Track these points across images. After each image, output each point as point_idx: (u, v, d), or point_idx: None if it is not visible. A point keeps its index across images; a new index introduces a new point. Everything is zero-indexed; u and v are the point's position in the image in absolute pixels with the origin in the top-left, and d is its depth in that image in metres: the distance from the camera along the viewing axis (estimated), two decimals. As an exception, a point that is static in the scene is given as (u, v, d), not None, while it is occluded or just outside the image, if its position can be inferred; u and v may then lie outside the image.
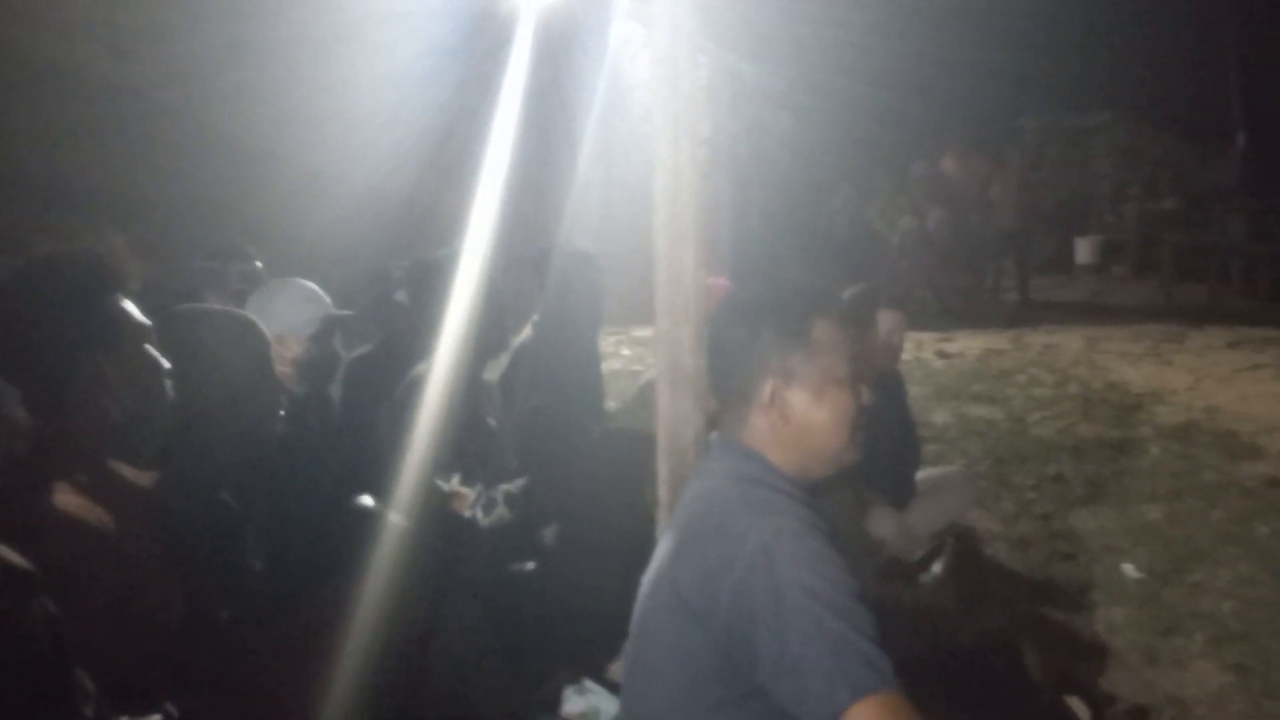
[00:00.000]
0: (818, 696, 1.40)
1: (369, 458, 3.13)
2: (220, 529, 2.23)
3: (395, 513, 2.72)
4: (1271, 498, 4.92)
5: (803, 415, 1.70)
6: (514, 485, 3.47)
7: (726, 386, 1.76)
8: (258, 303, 3.21)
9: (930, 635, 2.84)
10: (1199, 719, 3.05)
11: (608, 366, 7.68)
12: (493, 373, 3.94)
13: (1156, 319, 10.93)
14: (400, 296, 3.67)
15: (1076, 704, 2.82)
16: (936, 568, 3.02)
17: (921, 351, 9.25)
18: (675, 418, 2.52)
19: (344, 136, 8.15)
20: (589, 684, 2.91)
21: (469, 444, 3.30)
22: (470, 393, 3.29)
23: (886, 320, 3.81)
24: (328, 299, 3.58)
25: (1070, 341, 9.78)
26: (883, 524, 3.49)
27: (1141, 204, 15.29)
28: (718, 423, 1.82)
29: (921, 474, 4.09)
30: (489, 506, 3.35)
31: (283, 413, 2.64)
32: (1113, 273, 15.06)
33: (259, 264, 4.37)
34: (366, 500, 2.80)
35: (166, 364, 1.92)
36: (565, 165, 6.65)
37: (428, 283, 3.44)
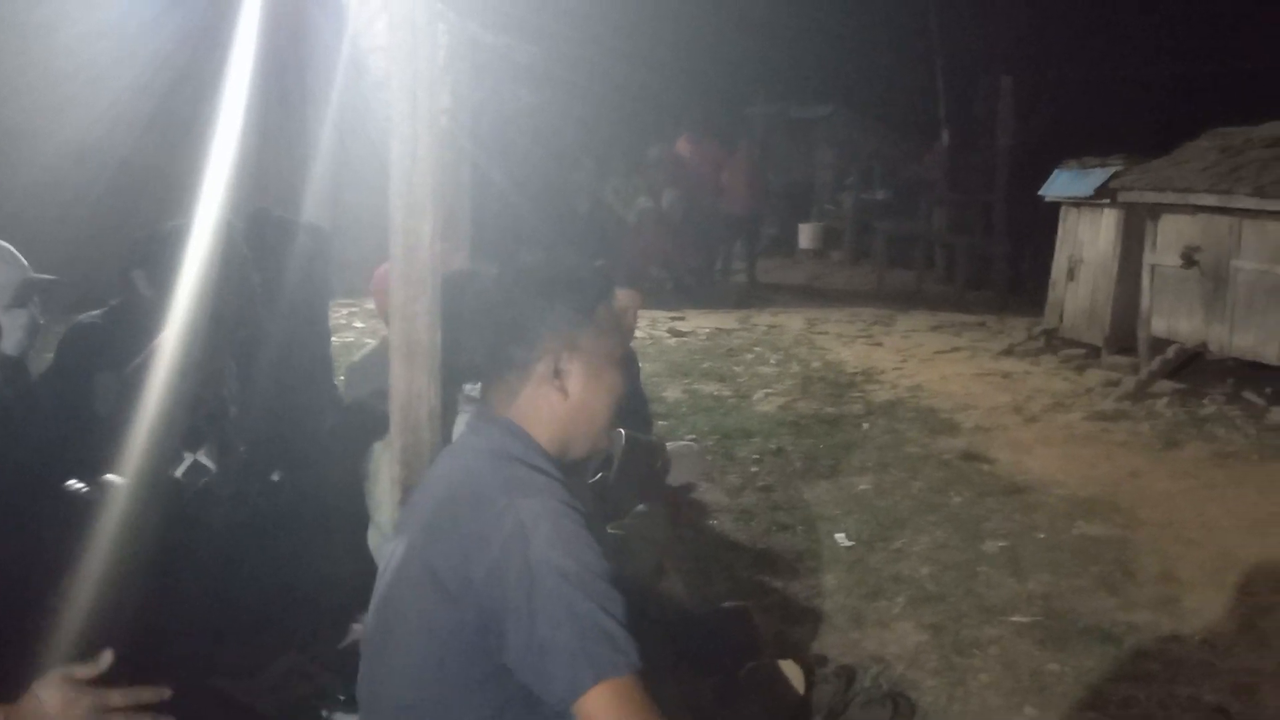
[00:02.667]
0: (561, 679, 1.41)
1: (84, 432, 2.90)
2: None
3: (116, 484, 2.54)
4: (964, 469, 5.38)
5: (582, 391, 1.69)
6: (246, 464, 3.31)
7: (502, 358, 1.71)
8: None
9: (654, 568, 2.92)
10: (898, 676, 3.29)
11: (340, 339, 7.43)
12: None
13: (869, 302, 11.71)
14: (136, 275, 3.38)
15: (790, 666, 2.97)
16: (657, 541, 3.09)
17: (655, 329, 9.50)
18: (410, 392, 2.46)
19: (47, 91, 7.45)
20: (314, 669, 2.81)
21: (205, 420, 3.11)
22: (207, 372, 3.09)
23: (622, 298, 3.86)
24: (24, 261, 3.28)
25: (793, 322, 10.32)
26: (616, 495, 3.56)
27: (858, 194, 16.31)
28: (481, 392, 1.78)
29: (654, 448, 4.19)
30: (214, 482, 3.18)
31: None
32: (832, 258, 16.00)
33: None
34: (77, 485, 2.59)
35: None
36: (299, 129, 6.35)
37: (161, 253, 3.20)
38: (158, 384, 2.83)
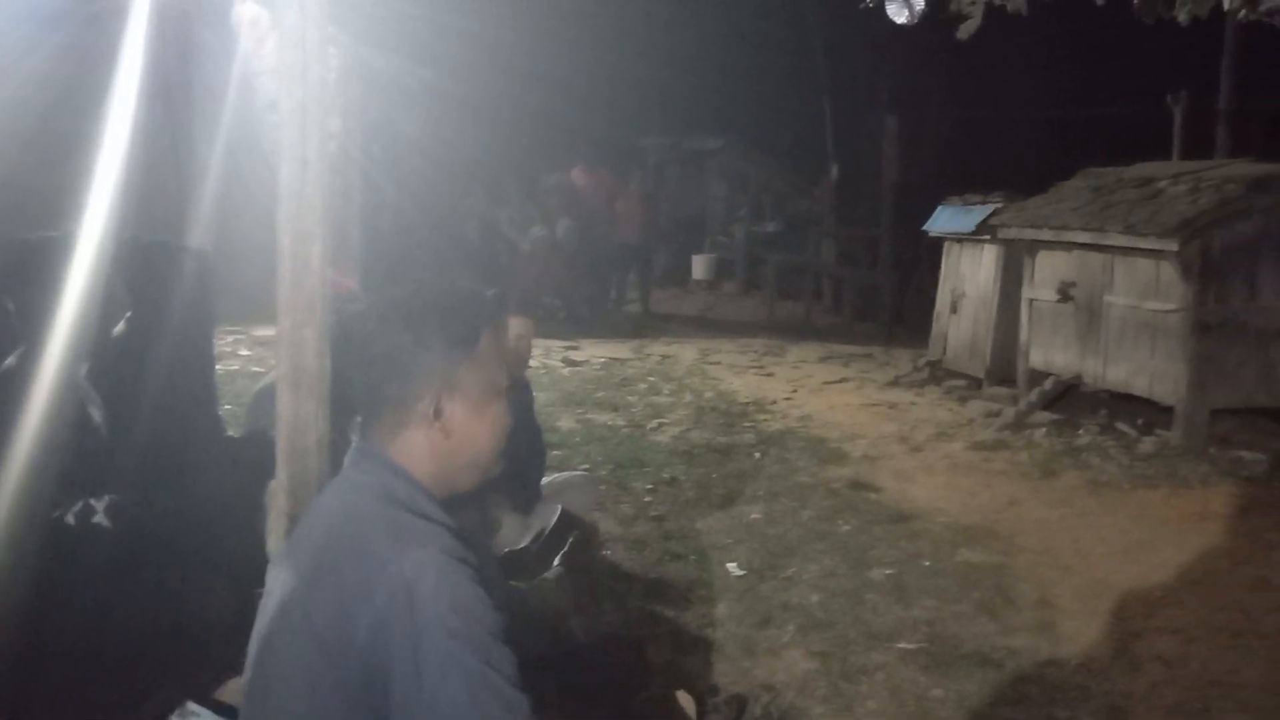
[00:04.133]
0: None
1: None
2: None
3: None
4: (852, 498, 5.48)
5: (465, 429, 1.62)
6: (120, 494, 3.18)
7: (378, 395, 1.62)
8: None
9: (550, 633, 2.89)
10: (788, 704, 3.32)
11: (225, 367, 7.23)
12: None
13: (761, 333, 11.88)
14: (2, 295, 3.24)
15: (682, 696, 2.97)
16: (557, 562, 3.08)
17: (549, 358, 9.47)
18: (297, 421, 2.40)
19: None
20: (193, 706, 2.71)
21: (70, 447, 2.99)
22: (71, 389, 2.97)
23: (516, 326, 3.86)
24: None
25: (686, 352, 10.40)
26: (508, 529, 3.53)
27: (749, 226, 16.57)
28: (362, 428, 1.68)
29: (546, 479, 4.18)
30: (86, 514, 3.05)
31: None
32: (724, 288, 16.20)
33: None
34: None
35: None
36: (187, 151, 6.18)
37: (29, 268, 3.08)
38: (20, 400, 2.72)
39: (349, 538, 1.50)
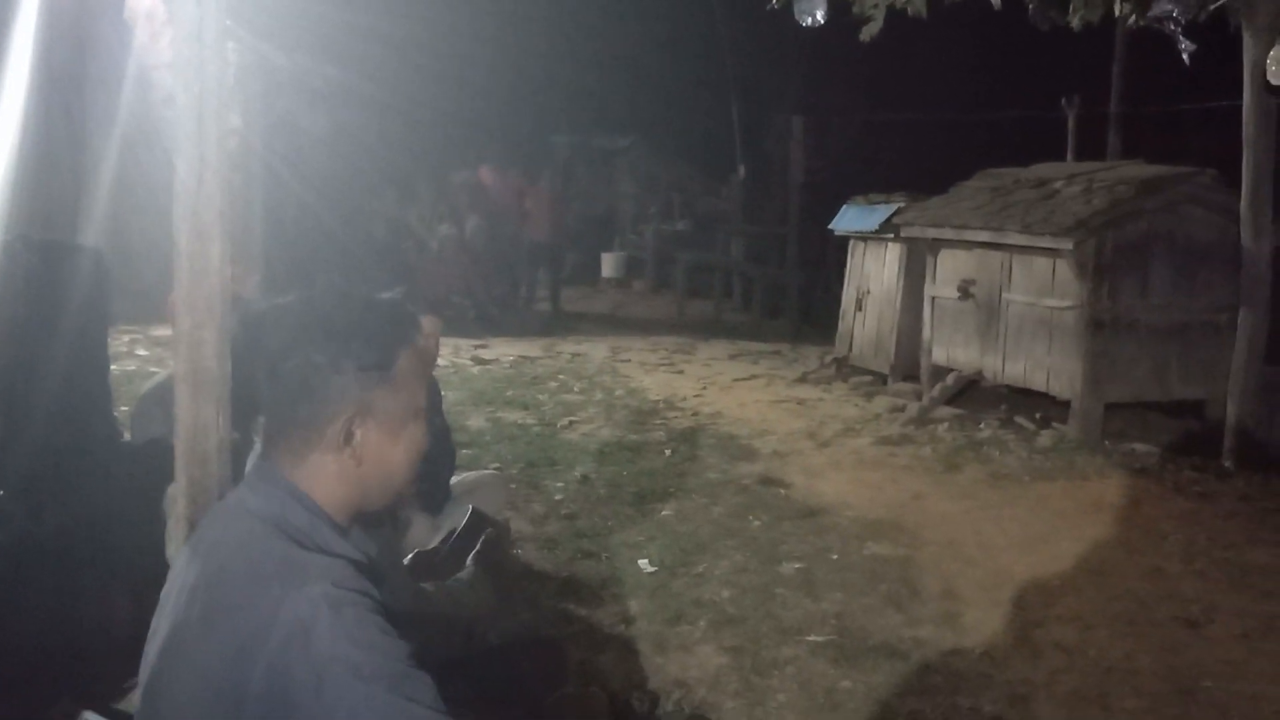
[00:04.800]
0: None
1: None
2: None
3: None
4: (762, 494, 5.54)
5: (378, 455, 1.53)
6: (8, 502, 3.07)
7: (285, 414, 1.52)
8: None
9: (463, 635, 2.86)
10: (700, 699, 3.34)
11: (121, 368, 7.02)
12: None
13: (671, 331, 11.94)
14: None
15: (595, 694, 2.97)
16: (470, 561, 3.04)
17: (458, 357, 9.39)
18: (197, 424, 2.34)
19: None
20: (91, 716, 2.62)
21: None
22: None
23: (425, 325, 3.80)
24: None
25: (597, 350, 10.40)
26: (417, 529, 3.48)
27: (658, 224, 16.65)
28: (265, 445, 1.57)
29: (456, 478, 4.13)
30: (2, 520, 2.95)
31: None
32: (634, 287, 16.25)
33: None
34: None
35: None
36: (80, 147, 5.98)
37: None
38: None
39: (240, 576, 1.41)
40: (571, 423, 7.06)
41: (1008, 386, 7.36)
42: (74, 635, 2.94)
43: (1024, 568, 4.52)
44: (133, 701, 2.23)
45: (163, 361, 7.82)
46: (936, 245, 7.92)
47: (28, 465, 3.25)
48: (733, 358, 10.20)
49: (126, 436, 3.83)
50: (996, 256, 7.35)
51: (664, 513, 5.20)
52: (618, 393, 8.22)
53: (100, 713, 2.65)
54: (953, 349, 7.75)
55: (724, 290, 14.01)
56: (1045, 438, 6.57)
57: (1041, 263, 6.97)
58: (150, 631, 1.52)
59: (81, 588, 3.04)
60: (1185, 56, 6.75)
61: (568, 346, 10.63)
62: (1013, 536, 4.95)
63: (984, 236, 7.34)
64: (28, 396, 3.30)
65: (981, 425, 6.92)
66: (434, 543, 3.28)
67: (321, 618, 1.34)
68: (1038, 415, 6.98)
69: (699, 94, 17.58)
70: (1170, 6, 6.50)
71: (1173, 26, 6.67)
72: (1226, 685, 3.51)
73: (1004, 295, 7.28)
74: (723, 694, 3.37)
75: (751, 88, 16.65)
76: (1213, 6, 6.31)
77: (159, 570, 1.96)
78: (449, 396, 5.66)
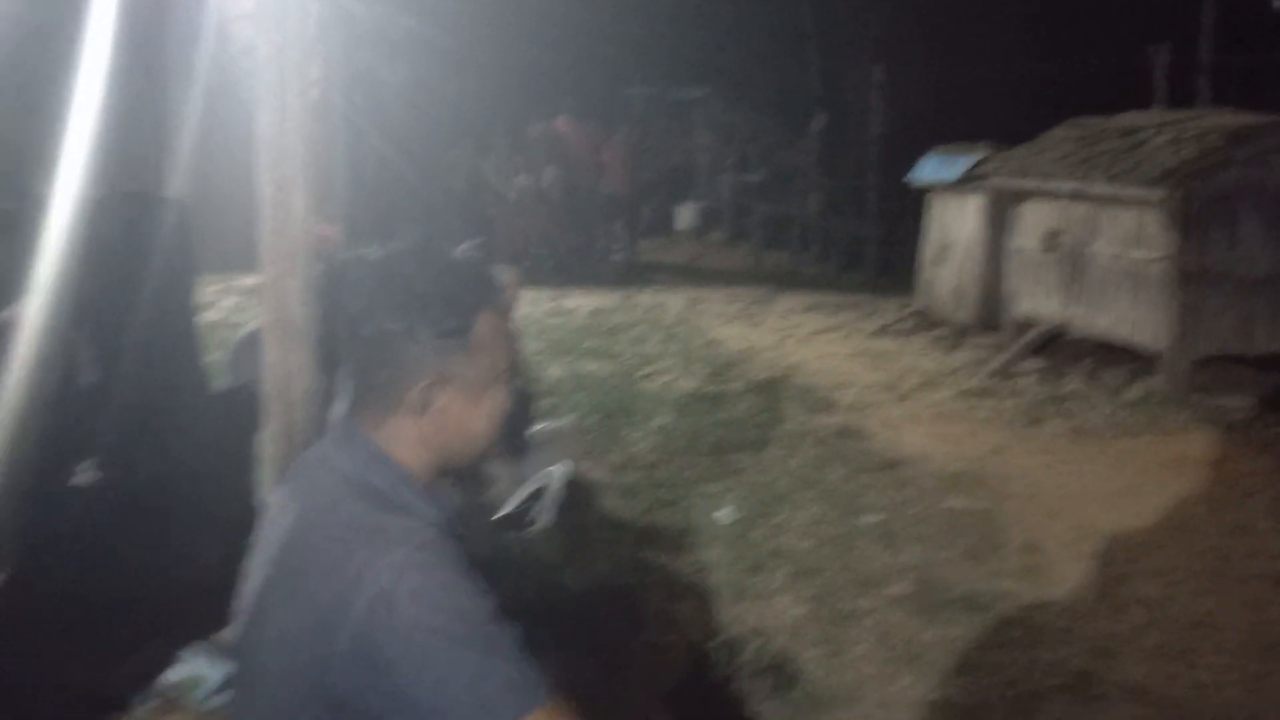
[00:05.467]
0: None
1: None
2: None
3: None
4: (840, 446, 5.50)
5: (458, 420, 1.51)
6: (103, 454, 3.19)
7: (366, 380, 1.51)
8: None
9: (543, 585, 2.91)
10: (779, 648, 3.35)
11: (209, 317, 7.19)
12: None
13: (748, 283, 11.86)
14: None
15: (675, 640, 3.00)
16: (545, 519, 3.09)
17: (536, 308, 9.45)
18: (284, 371, 2.39)
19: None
20: (192, 649, 2.72)
21: (59, 400, 2.97)
22: (60, 344, 2.95)
23: (502, 277, 3.84)
24: None
25: (673, 301, 10.38)
26: (499, 481, 3.53)
27: (735, 175, 16.49)
28: (350, 404, 1.55)
29: (535, 428, 4.18)
30: (66, 477, 3.05)
31: None
32: (710, 238, 16.15)
33: None
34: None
35: None
36: (163, 100, 6.09)
37: (16, 225, 3.05)
38: (9, 356, 2.70)
39: (325, 539, 1.42)
40: (649, 373, 7.07)
41: (1093, 339, 7.18)
42: (166, 580, 3.04)
43: (1107, 522, 4.43)
44: (227, 639, 2.30)
45: (248, 311, 8.00)
46: (1020, 196, 7.73)
47: (121, 415, 3.35)
48: (810, 310, 10.10)
49: (215, 385, 3.93)
50: (1082, 207, 7.14)
51: (742, 464, 5.19)
52: (695, 344, 8.20)
53: (199, 651, 2.76)
54: (1036, 301, 7.58)
55: (801, 242, 13.86)
56: (1131, 392, 6.41)
57: (1128, 214, 6.77)
58: (245, 576, 1.55)
59: (173, 534, 3.14)
60: (1276, 3, 6.46)
61: (645, 298, 10.62)
62: (1096, 491, 4.86)
63: (1069, 187, 7.14)
64: (121, 347, 3.39)
65: (1065, 378, 6.77)
66: (514, 496, 3.33)
67: (406, 581, 1.34)
68: (1124, 369, 6.80)
69: (776, 44, 17.29)
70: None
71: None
72: (1319, 644, 3.42)
73: (1089, 247, 7.09)
74: (801, 643, 3.38)
75: (830, 37, 16.32)
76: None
77: (248, 515, 2.01)
78: (527, 347, 5.70)
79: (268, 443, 2.45)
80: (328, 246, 3.53)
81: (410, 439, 1.51)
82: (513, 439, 3.72)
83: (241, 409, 2.94)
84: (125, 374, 3.37)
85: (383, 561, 1.35)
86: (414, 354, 1.47)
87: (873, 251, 12.30)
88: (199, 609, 2.87)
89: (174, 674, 2.66)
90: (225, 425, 3.19)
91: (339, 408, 1.60)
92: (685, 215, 16.59)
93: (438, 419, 1.51)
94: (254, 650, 1.48)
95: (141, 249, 3.55)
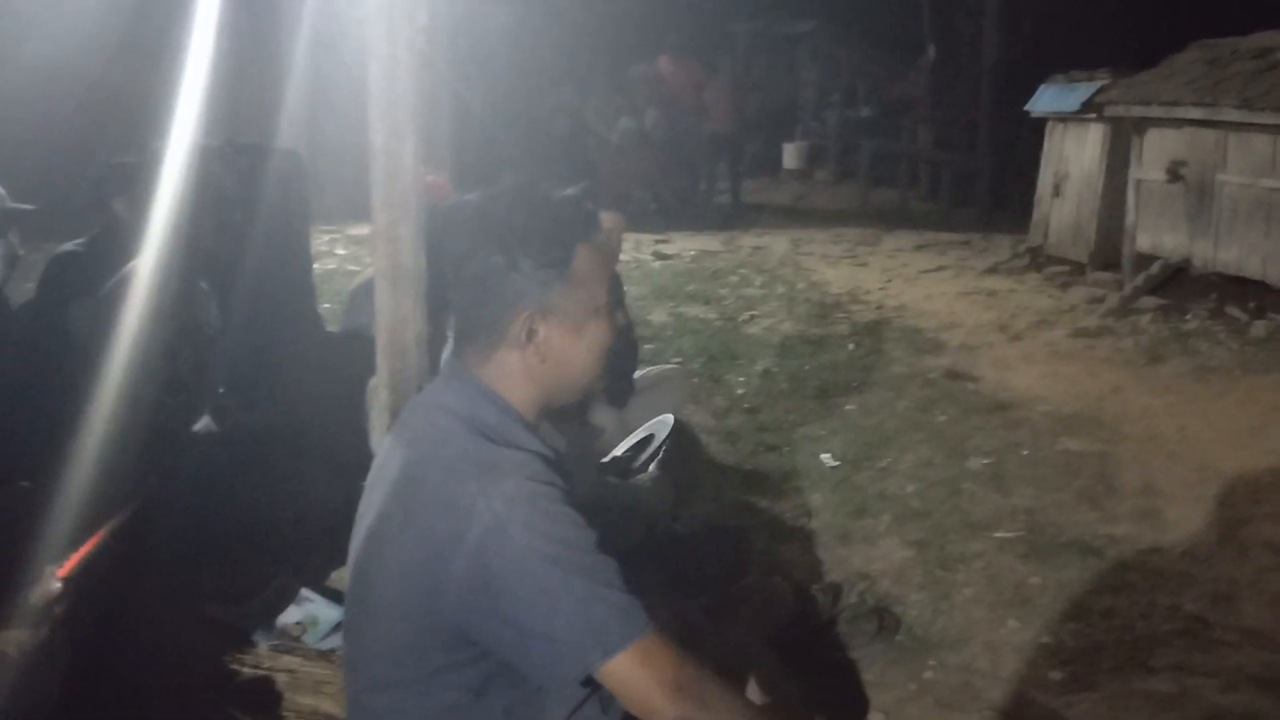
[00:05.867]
0: (570, 659, 1.37)
1: (58, 356, 2.90)
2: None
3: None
4: (949, 388, 5.41)
5: (561, 352, 1.55)
6: (224, 396, 3.32)
7: (471, 317, 1.56)
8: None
9: (646, 526, 2.94)
10: (883, 591, 3.34)
11: (321, 266, 7.38)
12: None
13: (854, 222, 11.67)
14: (117, 204, 3.36)
15: (779, 583, 3.01)
16: (653, 467, 3.12)
17: (639, 252, 9.46)
18: (396, 318, 2.45)
19: (10, 12, 7.27)
20: (306, 592, 2.84)
21: (182, 348, 3.10)
22: (183, 294, 3.07)
23: (606, 221, 3.82)
24: (2, 190, 3.26)
25: (778, 243, 10.28)
26: (603, 421, 3.57)
27: (842, 112, 16.15)
28: (455, 345, 1.61)
29: (639, 372, 4.20)
30: (189, 418, 3.19)
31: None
32: (816, 177, 15.88)
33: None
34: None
35: None
36: (273, 52, 6.22)
37: (139, 179, 3.17)
38: (134, 306, 2.82)
39: (438, 471, 1.48)
40: (753, 317, 7.04)
41: (1219, 274, 6.89)
42: (286, 519, 3.16)
43: (1231, 464, 4.28)
44: (342, 579, 2.40)
45: (360, 259, 8.18)
46: (1143, 125, 7.41)
47: (240, 360, 3.48)
48: (919, 249, 9.90)
49: (330, 331, 4.05)
50: (1210, 135, 6.82)
51: (847, 407, 5.15)
52: (799, 286, 8.13)
53: (314, 589, 2.87)
54: (1159, 235, 7.29)
55: (910, 179, 13.53)
56: (1259, 328, 6.14)
57: (1262, 141, 6.44)
58: (358, 516, 1.62)
59: (292, 474, 3.26)
60: None
61: (749, 240, 10.54)
62: (1219, 431, 4.68)
63: (1196, 114, 6.82)
64: (241, 294, 3.52)
65: (1188, 316, 6.52)
66: (620, 443, 3.37)
67: (517, 511, 1.39)
68: (1251, 305, 6.51)
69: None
70: None
71: None
72: None
73: (1218, 176, 6.77)
74: (907, 587, 3.36)
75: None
76: None
77: (363, 458, 2.08)
78: (631, 291, 5.72)
79: (380, 388, 2.52)
80: (436, 194, 3.59)
81: (516, 373, 1.56)
82: (617, 384, 3.75)
83: (356, 355, 3.03)
84: (244, 321, 3.49)
85: (496, 490, 1.41)
86: (515, 286, 1.52)
87: (985, 187, 11.95)
88: (318, 550, 2.99)
89: (291, 614, 2.78)
90: (340, 370, 3.29)
91: (448, 351, 1.65)
92: (791, 154, 16.33)
93: (541, 351, 1.55)
94: (369, 586, 1.54)
95: (257, 199, 3.66)
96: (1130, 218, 7.52)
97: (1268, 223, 6.41)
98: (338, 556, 2.74)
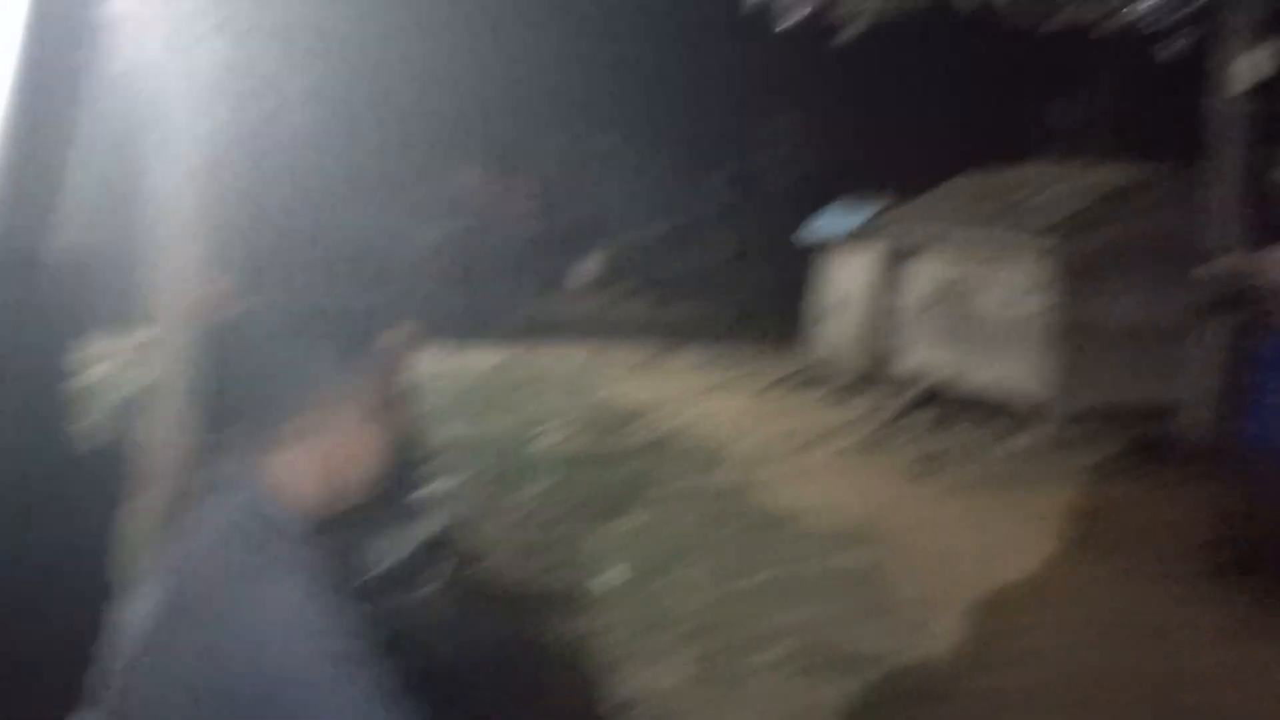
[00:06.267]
0: None
1: None
2: None
3: None
4: (732, 504, 5.56)
5: (346, 448, 1.53)
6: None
7: (251, 420, 1.53)
8: None
9: (433, 649, 2.87)
10: (671, 709, 3.35)
11: (92, 375, 6.96)
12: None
13: (647, 336, 11.93)
14: None
15: (567, 702, 2.97)
16: (431, 581, 3.05)
17: (434, 364, 9.35)
18: (166, 429, 2.34)
19: None
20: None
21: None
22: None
23: (402, 329, 3.79)
24: None
25: (573, 356, 10.39)
26: (387, 540, 3.48)
27: (642, 225, 16.63)
28: (236, 444, 1.55)
29: (426, 488, 4.12)
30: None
31: None
32: (614, 289, 16.19)
33: None
34: None
35: None
36: (45, 151, 5.94)
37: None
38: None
39: (212, 580, 1.44)
40: (545, 431, 7.05)
41: (984, 390, 7.38)
42: (35, 647, 2.92)
43: (999, 575, 4.54)
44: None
45: (134, 368, 7.76)
46: (913, 249, 7.94)
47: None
48: (707, 364, 10.22)
49: (91, 446, 3.80)
50: (973, 260, 7.37)
51: (633, 523, 5.19)
52: (590, 400, 8.21)
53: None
54: (925, 354, 7.78)
55: (702, 295, 13.99)
56: (1017, 442, 6.59)
57: (1020, 268, 7.00)
58: (118, 642, 1.52)
59: (40, 596, 3.02)
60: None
61: (546, 352, 10.61)
62: (981, 545, 4.97)
63: (961, 240, 7.37)
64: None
65: (952, 432, 6.94)
66: (403, 555, 3.28)
67: (293, 616, 1.36)
68: (1009, 420, 7.00)
69: (683, 95, 17.53)
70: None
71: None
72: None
73: (979, 299, 7.31)
74: (694, 701, 3.38)
75: (734, 87, 16.63)
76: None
77: (125, 579, 1.95)
78: (420, 405, 5.63)
79: (148, 505, 2.38)
80: (221, 301, 3.47)
81: (298, 472, 1.53)
82: (400, 500, 3.67)
83: (119, 470, 2.86)
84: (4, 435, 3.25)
85: (269, 598, 1.37)
86: (311, 380, 1.51)
87: (771, 304, 12.48)
88: (66, 683, 2.76)
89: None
90: (98, 489, 3.09)
91: (224, 458, 1.59)
92: (589, 267, 16.63)
93: (322, 450, 1.52)
94: (137, 703, 1.46)
95: (21, 305, 3.44)
96: (900, 337, 7.99)
97: (1022, 343, 6.93)
98: (72, 698, 2.55)
